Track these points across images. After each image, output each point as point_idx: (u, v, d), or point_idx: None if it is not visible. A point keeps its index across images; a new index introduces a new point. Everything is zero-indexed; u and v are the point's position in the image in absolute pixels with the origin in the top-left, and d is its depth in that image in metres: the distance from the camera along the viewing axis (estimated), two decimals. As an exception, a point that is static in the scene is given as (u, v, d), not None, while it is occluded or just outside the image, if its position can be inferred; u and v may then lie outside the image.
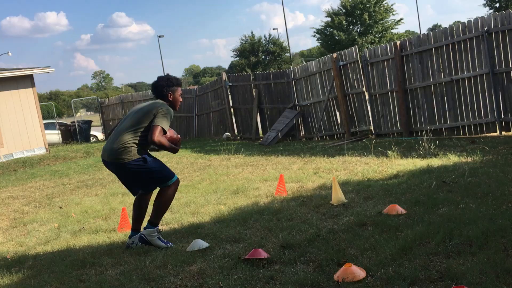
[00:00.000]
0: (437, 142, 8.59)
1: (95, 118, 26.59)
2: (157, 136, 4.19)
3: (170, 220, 5.41)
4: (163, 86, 4.52)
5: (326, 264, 3.39)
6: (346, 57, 11.68)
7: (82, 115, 29.71)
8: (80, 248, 4.77)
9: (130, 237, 4.53)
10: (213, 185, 7.53)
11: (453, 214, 4.10)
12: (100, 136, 24.27)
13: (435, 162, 6.78)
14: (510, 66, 8.59)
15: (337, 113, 12.33)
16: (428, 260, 3.22)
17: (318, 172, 7.42)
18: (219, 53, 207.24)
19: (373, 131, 11.35)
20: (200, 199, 6.44)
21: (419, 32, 43.74)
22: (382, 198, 5.15)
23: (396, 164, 7.09)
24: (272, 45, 52.78)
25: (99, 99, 25.44)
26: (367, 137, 11.22)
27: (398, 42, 10.56)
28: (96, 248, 4.66)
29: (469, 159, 6.65)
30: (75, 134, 22.57)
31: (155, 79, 4.61)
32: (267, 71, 15.61)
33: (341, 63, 11.73)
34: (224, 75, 16.34)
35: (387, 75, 10.85)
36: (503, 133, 8.84)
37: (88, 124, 23.25)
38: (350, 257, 3.45)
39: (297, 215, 4.85)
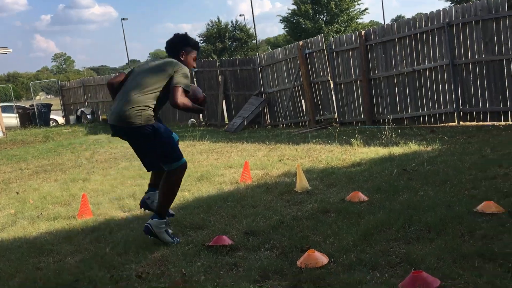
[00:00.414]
0: (399, 131, 8.77)
1: (55, 102, 25.85)
2: (180, 98, 3.72)
3: (132, 207, 5.33)
4: (177, 43, 4.09)
5: (290, 251, 3.41)
6: (312, 45, 11.73)
7: (41, 98, 28.84)
8: (37, 235, 4.63)
9: (146, 192, 4.25)
10: (177, 171, 7.44)
11: (412, 201, 4.19)
12: (60, 120, 23.62)
13: (397, 150, 6.92)
14: (469, 57, 8.83)
15: (303, 101, 12.41)
16: (388, 246, 3.29)
17: (283, 160, 7.45)
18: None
19: (337, 119, 11.49)
20: (164, 186, 6.36)
21: (383, 23, 44.40)
22: (345, 185, 5.22)
23: (359, 152, 7.20)
24: (238, 32, 52.47)
25: (59, 82, 24.72)
26: (331, 125, 11.35)
27: (363, 32, 10.67)
28: (54, 235, 4.54)
29: (429, 148, 6.82)
30: (34, 118, 21.91)
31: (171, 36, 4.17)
32: (234, 58, 15.52)
33: (307, 51, 11.77)
34: (190, 61, 16.11)
35: (351, 64, 10.97)
36: (461, 123, 9.11)
37: (47, 107, 22.59)
38: (313, 244, 3.48)
39: (262, 202, 4.86)
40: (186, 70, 3.89)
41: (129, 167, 8.50)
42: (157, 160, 3.93)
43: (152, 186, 4.25)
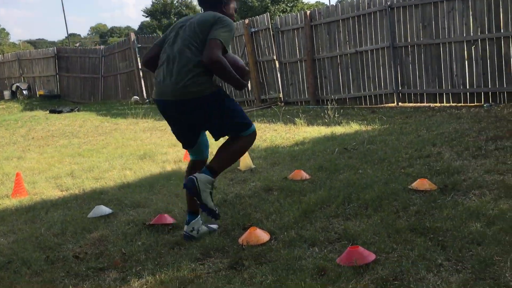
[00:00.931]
0: (341, 111, 8.97)
1: (-12, 76, 24.34)
2: (215, 52, 2.95)
3: (70, 186, 5.16)
4: None
5: (232, 229, 3.43)
6: (258, 23, 11.67)
7: (-28, 72, 27.01)
8: (-33, 216, 4.39)
9: (187, 223, 3.35)
10: (119, 149, 7.27)
11: (352, 179, 4.32)
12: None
13: (339, 130, 7.08)
14: (409, 40, 9.11)
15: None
16: (328, 222, 3.37)
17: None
18: (129, 13, 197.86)
19: (282, 98, 11.57)
20: (105, 164, 6.20)
21: (328, 4, 44.87)
22: (288, 164, 5.29)
23: (302, 131, 7.31)
24: (184, 8, 51.38)
25: (-9, 55, 23.25)
26: (276, 104, 11.42)
27: (308, 12, 10.73)
28: (-14, 216, 4.33)
29: (369, 128, 7.03)
30: (-36, 93, 20.56)
31: None
32: (178, 34, 15.13)
33: (252, 30, 11.71)
34: (133, 36, 15.65)
35: (297, 44, 11.03)
36: (400, 104, 9.44)
37: (-21, 82, 21.23)
38: (255, 221, 3.52)
39: (205, 181, 4.83)
40: (230, 23, 3.13)
41: (68, 145, 8.20)
42: (227, 130, 3.25)
43: (192, 213, 3.37)
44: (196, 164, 3.44)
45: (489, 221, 3.02)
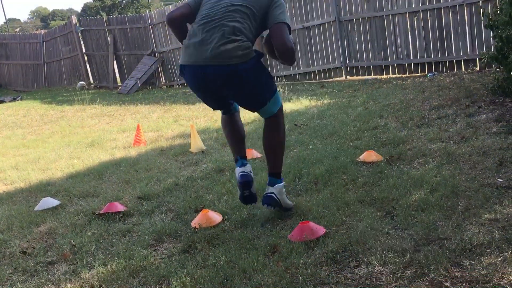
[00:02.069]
0: (291, 87, 9.02)
1: None
2: (289, 39, 2.84)
3: (15, 179, 4.96)
4: None
5: (184, 212, 3.41)
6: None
7: None
8: None
9: (242, 165, 3.10)
10: (66, 138, 7.04)
11: (302, 155, 4.37)
12: None
13: (289, 106, 7.13)
14: (354, 14, 9.22)
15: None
16: (279, 199, 3.40)
17: (178, 120, 7.34)
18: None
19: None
20: (51, 154, 5.99)
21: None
22: (239, 143, 5.28)
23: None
24: (127, -13, 49.79)
25: None
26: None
27: (254, -12, 10.63)
28: None
29: (319, 103, 7.11)
30: None
31: None
32: (123, 15, 14.72)
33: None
34: (74, 19, 15.05)
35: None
36: (348, 77, 9.59)
37: None
38: (208, 203, 3.51)
39: (156, 165, 4.77)
40: (282, 2, 2.97)
41: (11, 136, 7.87)
42: (266, 96, 2.97)
43: (243, 158, 3.17)
44: (233, 116, 3.24)
45: (432, 188, 3.14)
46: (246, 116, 6.83)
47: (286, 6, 2.95)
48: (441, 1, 8.16)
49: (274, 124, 3.04)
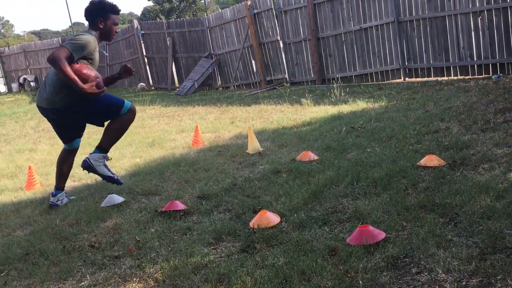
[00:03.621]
0: (348, 89, 8.93)
1: (-6, 70, 24.45)
2: (55, 52, 3.66)
3: (82, 176, 5.22)
4: (93, 11, 3.96)
5: (242, 212, 3.47)
6: (260, 5, 11.57)
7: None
8: (-17, 210, 4.48)
9: (54, 195, 4.30)
10: (128, 137, 7.31)
11: (360, 158, 4.32)
12: (2, 88, 22.47)
13: (345, 108, 7.06)
14: (414, 14, 8.99)
15: (253, 61, 12.33)
16: (337, 202, 3.40)
17: (234, 122, 7.45)
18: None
19: (288, 79, 11.53)
20: (115, 153, 6.24)
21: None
22: (296, 145, 5.31)
23: (309, 112, 7.30)
24: (186, -8, 50.91)
25: (-3, 49, 23.31)
26: (282, 85, 11.38)
27: (311, -10, 10.60)
28: (1, 209, 4.41)
29: (376, 105, 7.00)
30: (-28, 87, 20.71)
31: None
32: (181, 19, 15.11)
33: (255, 11, 11.62)
34: (136, 23, 15.61)
35: (300, 24, 10.94)
36: (407, 79, 9.37)
37: (-14, 76, 21.35)
38: (265, 204, 3.55)
39: (214, 165, 4.88)
40: (81, 40, 3.81)
41: (78, 136, 8.26)
42: (102, 118, 4.19)
43: (59, 189, 4.36)
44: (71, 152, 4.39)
45: (499, 195, 3.03)
46: (302, 118, 6.84)
47: (82, 42, 3.87)
48: (508, 0, 7.80)
49: (116, 118, 4.09)
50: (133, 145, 6.61)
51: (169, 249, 3.02)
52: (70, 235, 3.49)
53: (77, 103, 3.94)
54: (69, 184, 5.03)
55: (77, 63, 3.81)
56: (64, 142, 4.32)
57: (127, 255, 3.02)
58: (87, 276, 2.82)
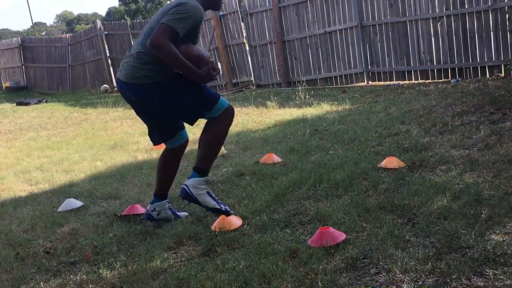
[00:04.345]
0: (312, 92, 9.00)
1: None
2: (159, 37, 2.83)
3: (39, 180, 5.06)
4: None
5: (204, 216, 3.42)
6: (225, 7, 11.55)
7: None
8: None
9: (151, 202, 3.39)
10: (89, 140, 7.15)
11: (323, 160, 4.35)
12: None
13: (310, 111, 7.11)
14: (376, 19, 9.16)
15: (219, 64, 12.28)
16: (300, 204, 3.40)
17: (198, 124, 7.32)
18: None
19: (254, 81, 11.54)
20: (75, 156, 6.10)
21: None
22: (260, 147, 5.30)
23: (274, 114, 7.31)
24: (152, -8, 50.41)
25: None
26: (248, 88, 11.39)
27: (276, -7, 10.66)
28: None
29: (340, 108, 7.08)
30: None
31: None
32: (146, 20, 14.92)
33: (221, 13, 11.58)
34: (99, 23, 15.31)
35: (266, 26, 10.98)
36: (370, 82, 9.53)
37: None
38: (228, 207, 3.51)
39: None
40: (189, 11, 2.92)
41: (36, 138, 8.03)
42: (192, 113, 3.24)
43: (157, 196, 3.42)
44: (175, 152, 3.45)
45: (455, 196, 3.09)
46: (267, 121, 6.85)
47: (188, 14, 2.94)
48: (466, 7, 8.05)
49: (208, 125, 3.24)
50: (94, 148, 6.46)
51: (128, 254, 2.95)
52: (24, 241, 3.37)
53: (168, 84, 3.06)
54: (25, 188, 4.87)
55: (183, 43, 2.97)
56: (160, 140, 3.39)
57: (84, 261, 2.93)
58: (41, 283, 2.72)
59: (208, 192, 3.08)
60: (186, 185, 3.06)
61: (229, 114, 3.21)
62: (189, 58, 2.95)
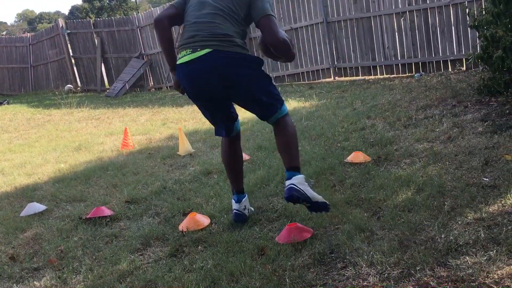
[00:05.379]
0: (280, 88, 9.02)
1: None
2: (279, 32, 2.76)
3: (1, 184, 4.90)
4: None
5: (172, 216, 3.39)
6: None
7: None
8: None
9: (238, 201, 3.11)
10: (53, 142, 6.98)
11: (290, 156, 4.36)
12: None
13: (277, 108, 7.11)
14: (341, 15, 9.25)
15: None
16: (267, 201, 3.40)
17: (166, 123, 7.31)
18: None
19: (221, 79, 11.48)
20: (37, 159, 5.93)
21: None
22: (227, 145, 5.26)
23: (242, 111, 7.25)
24: (116, -11, 49.52)
25: None
26: (215, 85, 11.32)
27: (242, -10, 10.64)
28: None
29: (307, 104, 7.12)
30: None
31: None
32: (110, 18, 14.65)
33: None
34: (61, 22, 14.94)
35: (232, 23, 10.93)
36: (336, 78, 9.62)
37: None
38: (196, 206, 3.49)
39: (143, 169, 4.75)
40: None
41: (-2, 141, 7.77)
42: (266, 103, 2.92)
43: (240, 192, 3.17)
44: (236, 141, 3.23)
45: (419, 188, 3.15)
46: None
47: (274, 7, 2.93)
48: (427, 2, 8.21)
49: (279, 123, 2.98)
50: (58, 150, 6.30)
51: (94, 257, 2.89)
52: (-15, 248, 3.25)
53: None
54: (-14, 193, 4.71)
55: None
56: (220, 124, 3.13)
57: (48, 266, 2.85)
58: (3, 291, 2.64)
59: (311, 187, 2.79)
60: (293, 184, 2.71)
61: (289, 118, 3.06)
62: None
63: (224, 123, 3.11)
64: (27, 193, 4.45)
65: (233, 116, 3.15)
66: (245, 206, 3.12)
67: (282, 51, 2.83)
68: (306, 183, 2.75)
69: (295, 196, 2.68)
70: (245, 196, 3.17)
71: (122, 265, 2.70)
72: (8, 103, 13.77)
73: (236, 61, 2.78)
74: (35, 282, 2.69)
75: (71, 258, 2.91)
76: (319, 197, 2.74)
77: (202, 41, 2.76)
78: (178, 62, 2.87)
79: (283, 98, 3.09)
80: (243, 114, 6.92)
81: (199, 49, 2.75)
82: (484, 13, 5.35)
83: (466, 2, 7.78)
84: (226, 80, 2.80)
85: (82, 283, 2.58)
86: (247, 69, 2.82)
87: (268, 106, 2.92)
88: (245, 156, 4.59)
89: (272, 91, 2.94)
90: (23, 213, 3.84)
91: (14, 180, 5.01)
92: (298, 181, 2.72)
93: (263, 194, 3.55)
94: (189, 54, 2.78)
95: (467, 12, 6.36)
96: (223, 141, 3.24)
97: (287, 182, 2.75)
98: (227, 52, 2.75)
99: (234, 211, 3.11)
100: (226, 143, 3.21)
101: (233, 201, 3.15)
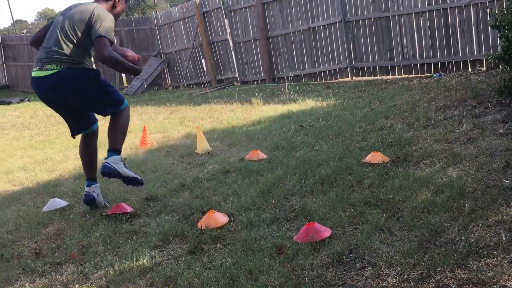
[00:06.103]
0: (297, 88, 9.02)
1: None
2: (105, 50, 3.31)
3: (23, 180, 5.00)
4: None
5: (191, 213, 3.42)
6: (208, 3, 11.51)
7: None
8: None
9: (88, 186, 3.77)
10: (73, 139, 7.06)
11: (308, 156, 4.37)
12: None
13: (295, 107, 7.13)
14: (359, 14, 9.21)
15: (203, 60, 12.25)
16: (285, 201, 3.42)
17: (184, 122, 7.37)
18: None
19: (238, 78, 11.53)
20: (58, 155, 6.03)
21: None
22: (245, 144, 5.30)
23: (259, 111, 7.32)
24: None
25: None
26: (232, 84, 11.37)
27: (260, -11, 10.65)
28: None
29: (324, 104, 7.11)
30: None
31: None
32: (129, 17, 14.80)
33: (204, 10, 11.54)
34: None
35: (249, 23, 10.96)
36: (354, 78, 9.59)
37: None
38: (214, 204, 3.52)
39: (162, 166, 4.80)
40: (109, 19, 3.44)
41: (19, 137, 7.93)
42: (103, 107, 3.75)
43: (91, 179, 3.82)
44: (90, 139, 3.96)
45: (438, 189, 3.14)
46: (252, 117, 6.85)
47: (111, 19, 3.49)
48: (448, 1, 8.14)
49: (116, 116, 3.77)
50: (77, 147, 6.37)
51: (114, 253, 2.94)
52: (9, 242, 3.33)
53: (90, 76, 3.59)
54: (9, 189, 4.81)
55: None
56: (76, 130, 4.03)
57: (70, 261, 2.91)
58: (27, 284, 2.70)
59: (125, 166, 3.61)
60: (107, 163, 3.53)
61: (128, 108, 3.84)
62: (125, 58, 3.53)
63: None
64: (49, 189, 4.53)
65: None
66: (94, 191, 3.74)
67: (113, 66, 3.54)
68: (122, 163, 3.58)
69: (106, 171, 3.52)
70: (95, 184, 3.79)
71: (142, 261, 2.74)
72: (29, 101, 14.00)
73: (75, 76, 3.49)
74: (57, 276, 2.75)
75: (93, 254, 2.96)
76: (131, 174, 3.59)
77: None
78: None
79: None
80: (260, 114, 6.99)
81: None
82: (505, 13, 5.29)
83: (486, 1, 7.69)
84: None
85: (103, 278, 2.63)
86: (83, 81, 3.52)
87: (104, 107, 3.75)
88: (263, 155, 4.62)
89: (108, 95, 3.68)
90: (45, 209, 3.92)
91: (36, 176, 5.11)
92: (112, 160, 3.55)
93: (281, 193, 3.56)
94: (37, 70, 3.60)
95: (488, 12, 6.29)
96: (80, 137, 3.99)
97: (104, 160, 3.57)
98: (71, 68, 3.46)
99: (85, 192, 3.75)
100: (82, 139, 3.97)
101: (86, 186, 3.78)
